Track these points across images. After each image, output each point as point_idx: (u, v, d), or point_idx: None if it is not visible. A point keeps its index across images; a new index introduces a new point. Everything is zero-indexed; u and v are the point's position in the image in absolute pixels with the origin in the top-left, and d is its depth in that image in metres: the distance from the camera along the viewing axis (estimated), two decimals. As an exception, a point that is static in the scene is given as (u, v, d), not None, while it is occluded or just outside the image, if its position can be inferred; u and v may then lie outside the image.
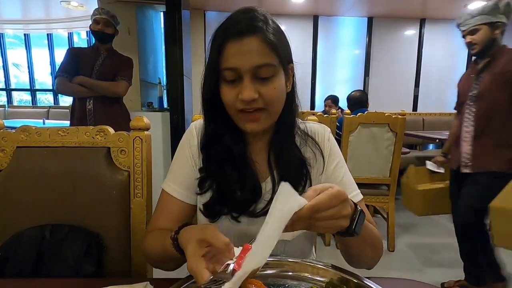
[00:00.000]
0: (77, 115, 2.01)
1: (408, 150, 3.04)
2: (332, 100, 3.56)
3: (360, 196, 0.68)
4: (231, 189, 0.63)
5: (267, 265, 0.56)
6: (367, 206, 1.95)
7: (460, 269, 1.69)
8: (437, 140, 3.01)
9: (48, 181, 0.79)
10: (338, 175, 0.68)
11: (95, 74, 1.99)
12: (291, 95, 0.64)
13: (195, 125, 0.71)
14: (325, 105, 3.64)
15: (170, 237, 0.53)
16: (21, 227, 0.75)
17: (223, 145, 0.64)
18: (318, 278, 0.53)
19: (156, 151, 2.53)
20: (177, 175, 0.69)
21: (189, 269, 0.44)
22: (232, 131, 0.63)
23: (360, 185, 0.69)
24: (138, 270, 0.82)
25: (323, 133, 0.71)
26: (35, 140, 0.80)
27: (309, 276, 0.54)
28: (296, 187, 0.44)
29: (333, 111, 2.69)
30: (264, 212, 0.59)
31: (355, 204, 0.49)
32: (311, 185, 0.66)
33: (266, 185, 0.66)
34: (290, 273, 0.55)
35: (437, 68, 4.52)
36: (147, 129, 0.82)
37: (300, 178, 0.65)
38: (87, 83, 1.95)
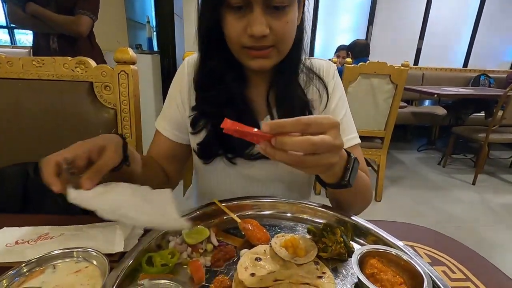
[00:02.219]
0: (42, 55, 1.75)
1: (405, 104, 3.00)
2: (347, 50, 2.86)
3: (357, 140, 0.64)
4: None
5: (263, 207, 0.54)
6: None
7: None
8: (435, 95, 2.95)
9: (27, 116, 0.72)
10: (338, 114, 0.64)
11: (53, 2, 1.58)
12: (300, 29, 0.57)
13: (188, 62, 0.64)
14: (338, 56, 3.09)
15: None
16: (1, 165, 0.71)
17: (221, 85, 0.58)
18: (316, 220, 0.52)
19: (146, 97, 2.42)
20: (167, 114, 0.66)
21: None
22: (231, 68, 0.57)
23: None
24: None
25: (329, 68, 0.66)
26: (6, 70, 0.72)
27: (307, 217, 0.52)
28: None
29: (334, 59, 2.53)
30: (262, 155, 0.56)
31: (348, 153, 0.44)
32: None
33: None
34: (288, 215, 0.53)
35: (445, 20, 4.24)
36: (133, 63, 0.74)
37: None
38: (40, 14, 1.56)
